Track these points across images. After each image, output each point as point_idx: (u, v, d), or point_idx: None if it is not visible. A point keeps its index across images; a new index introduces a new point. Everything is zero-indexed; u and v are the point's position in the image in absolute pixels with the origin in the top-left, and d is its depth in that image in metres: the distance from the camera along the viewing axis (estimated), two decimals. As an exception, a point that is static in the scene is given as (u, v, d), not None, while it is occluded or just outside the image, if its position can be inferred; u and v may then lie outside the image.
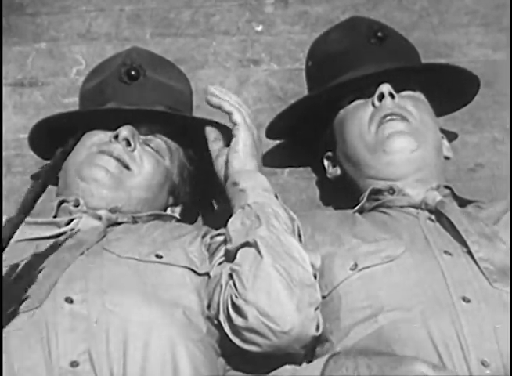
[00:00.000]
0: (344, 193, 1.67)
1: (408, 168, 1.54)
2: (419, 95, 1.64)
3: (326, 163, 1.72)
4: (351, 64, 1.64)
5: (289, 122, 1.74)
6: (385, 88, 1.57)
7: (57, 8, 2.07)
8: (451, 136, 1.83)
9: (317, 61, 1.74)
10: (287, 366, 1.30)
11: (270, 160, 1.84)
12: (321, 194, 1.83)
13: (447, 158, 1.66)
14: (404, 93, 1.61)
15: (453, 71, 1.68)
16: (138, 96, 1.61)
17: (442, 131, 1.70)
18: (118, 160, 1.53)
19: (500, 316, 1.27)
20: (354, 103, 1.63)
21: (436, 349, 1.23)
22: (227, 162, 1.49)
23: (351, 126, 1.60)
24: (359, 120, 1.59)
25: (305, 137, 1.77)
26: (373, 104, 1.59)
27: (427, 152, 1.56)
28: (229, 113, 1.49)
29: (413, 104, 1.59)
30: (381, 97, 1.58)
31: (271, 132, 1.77)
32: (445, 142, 1.67)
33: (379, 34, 1.65)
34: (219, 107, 1.50)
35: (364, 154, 1.57)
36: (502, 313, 1.27)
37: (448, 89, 1.69)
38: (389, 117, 1.55)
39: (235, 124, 1.49)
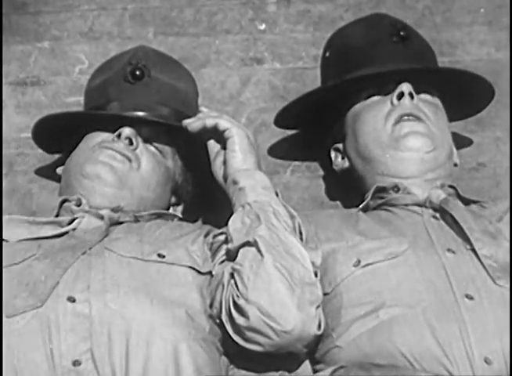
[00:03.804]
0: (348, 190, 1.67)
1: (420, 167, 1.54)
2: (436, 100, 1.64)
3: (333, 154, 1.72)
4: (372, 59, 1.63)
5: (300, 111, 1.73)
6: (405, 87, 1.57)
7: (59, 7, 2.06)
8: (465, 141, 1.83)
9: (336, 52, 1.72)
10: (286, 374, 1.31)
11: (272, 159, 1.85)
12: (324, 192, 1.83)
13: (455, 165, 1.66)
14: (422, 96, 1.61)
15: (471, 78, 1.67)
16: (142, 97, 1.61)
17: (456, 134, 1.70)
18: (122, 154, 1.53)
19: (503, 313, 1.27)
20: (371, 99, 1.63)
21: (439, 346, 1.24)
22: (225, 162, 1.50)
23: (366, 121, 1.60)
24: (375, 116, 1.59)
25: (313, 129, 1.77)
26: (392, 102, 1.58)
27: (441, 155, 1.56)
28: (215, 125, 1.51)
29: (431, 109, 1.59)
30: (400, 96, 1.57)
31: (281, 120, 1.76)
32: (454, 149, 1.66)
33: (402, 33, 1.64)
34: (203, 127, 1.53)
35: (376, 150, 1.57)
36: (506, 311, 1.27)
37: (463, 96, 1.69)
38: (406, 117, 1.55)
39: (225, 130, 1.50)
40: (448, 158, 1.59)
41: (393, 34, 1.65)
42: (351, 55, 1.67)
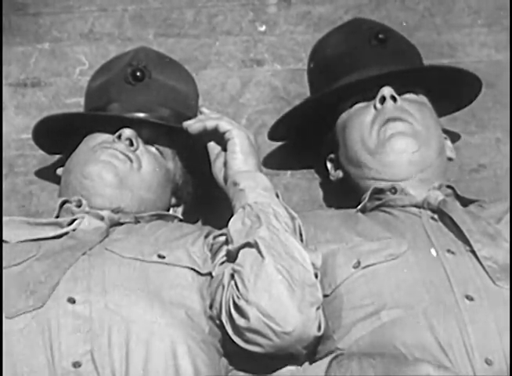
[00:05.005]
0: (347, 193, 1.67)
1: (409, 168, 1.54)
2: (421, 98, 1.64)
3: (329, 165, 1.73)
4: (353, 66, 1.64)
5: (291, 124, 1.74)
6: (387, 91, 1.57)
7: (59, 8, 2.07)
8: (454, 137, 1.83)
9: (318, 63, 1.74)
10: (289, 367, 1.30)
11: (273, 162, 1.84)
12: (323, 195, 1.84)
13: (450, 159, 1.66)
14: (406, 96, 1.61)
15: (455, 72, 1.68)
16: (143, 98, 1.61)
17: (445, 131, 1.70)
18: (123, 153, 1.53)
19: (503, 314, 1.27)
20: (356, 106, 1.63)
21: (440, 347, 1.23)
22: (226, 163, 1.50)
23: (353, 129, 1.60)
24: (361, 123, 1.59)
25: (308, 139, 1.78)
26: (375, 107, 1.59)
27: (428, 153, 1.55)
28: (216, 127, 1.51)
29: (416, 107, 1.59)
30: (383, 100, 1.57)
31: (273, 134, 1.77)
32: (448, 143, 1.67)
33: (380, 35, 1.65)
34: (204, 129, 1.53)
35: (365, 157, 1.57)
36: (506, 311, 1.27)
37: (451, 90, 1.69)
38: (391, 122, 1.55)
39: (225, 132, 1.50)
40: (439, 154, 1.58)
41: (372, 38, 1.65)
42: (332, 64, 1.68)
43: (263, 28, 2.06)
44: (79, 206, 1.49)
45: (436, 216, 1.48)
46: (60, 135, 1.66)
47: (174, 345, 1.26)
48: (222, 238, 1.43)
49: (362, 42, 1.66)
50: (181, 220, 1.63)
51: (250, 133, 1.55)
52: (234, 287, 1.31)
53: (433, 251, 1.39)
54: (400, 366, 1.17)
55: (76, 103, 1.91)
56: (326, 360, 1.24)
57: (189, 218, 1.67)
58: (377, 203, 1.55)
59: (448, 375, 1.15)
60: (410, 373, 1.15)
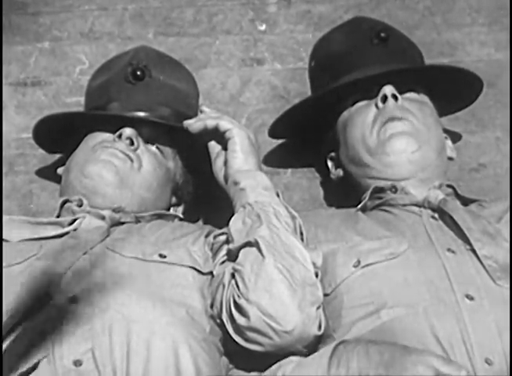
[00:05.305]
0: (347, 192, 1.67)
1: (410, 168, 1.54)
2: (422, 97, 1.64)
3: (329, 164, 1.73)
4: (354, 65, 1.64)
5: (292, 122, 1.74)
6: (388, 89, 1.57)
7: (59, 7, 2.07)
8: (455, 137, 1.83)
9: (320, 62, 1.74)
10: (293, 357, 1.30)
11: (273, 161, 1.84)
12: (324, 193, 1.84)
13: (451, 159, 1.66)
14: (408, 95, 1.61)
15: (457, 72, 1.68)
16: (143, 97, 1.61)
17: (446, 131, 1.70)
18: (123, 153, 1.53)
19: (504, 313, 1.27)
20: (357, 105, 1.63)
21: (440, 347, 1.23)
22: (226, 162, 1.50)
23: (354, 128, 1.60)
24: (362, 122, 1.59)
25: (308, 137, 1.78)
26: (377, 106, 1.58)
27: (428, 153, 1.55)
28: (216, 126, 1.52)
29: (416, 106, 1.59)
30: (384, 99, 1.57)
31: (274, 132, 1.77)
32: (449, 142, 1.67)
33: (382, 34, 1.65)
34: (204, 128, 1.53)
35: (366, 156, 1.57)
36: (506, 311, 1.27)
37: (452, 90, 1.69)
38: (391, 122, 1.55)
39: (226, 131, 1.50)
40: (439, 154, 1.58)
41: (373, 37, 1.65)
42: (334, 62, 1.68)
43: (263, 27, 2.06)
44: (80, 205, 1.49)
45: (436, 215, 1.48)
46: (61, 135, 1.66)
47: (176, 345, 1.26)
48: (223, 237, 1.43)
49: (363, 41, 1.66)
50: (181, 219, 1.64)
51: (251, 132, 1.55)
52: (235, 286, 1.32)
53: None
54: (406, 354, 1.17)
55: (76, 102, 1.91)
56: (332, 345, 1.24)
57: (189, 217, 1.68)
58: (378, 202, 1.55)
59: (451, 368, 1.15)
60: (416, 362, 1.15)
